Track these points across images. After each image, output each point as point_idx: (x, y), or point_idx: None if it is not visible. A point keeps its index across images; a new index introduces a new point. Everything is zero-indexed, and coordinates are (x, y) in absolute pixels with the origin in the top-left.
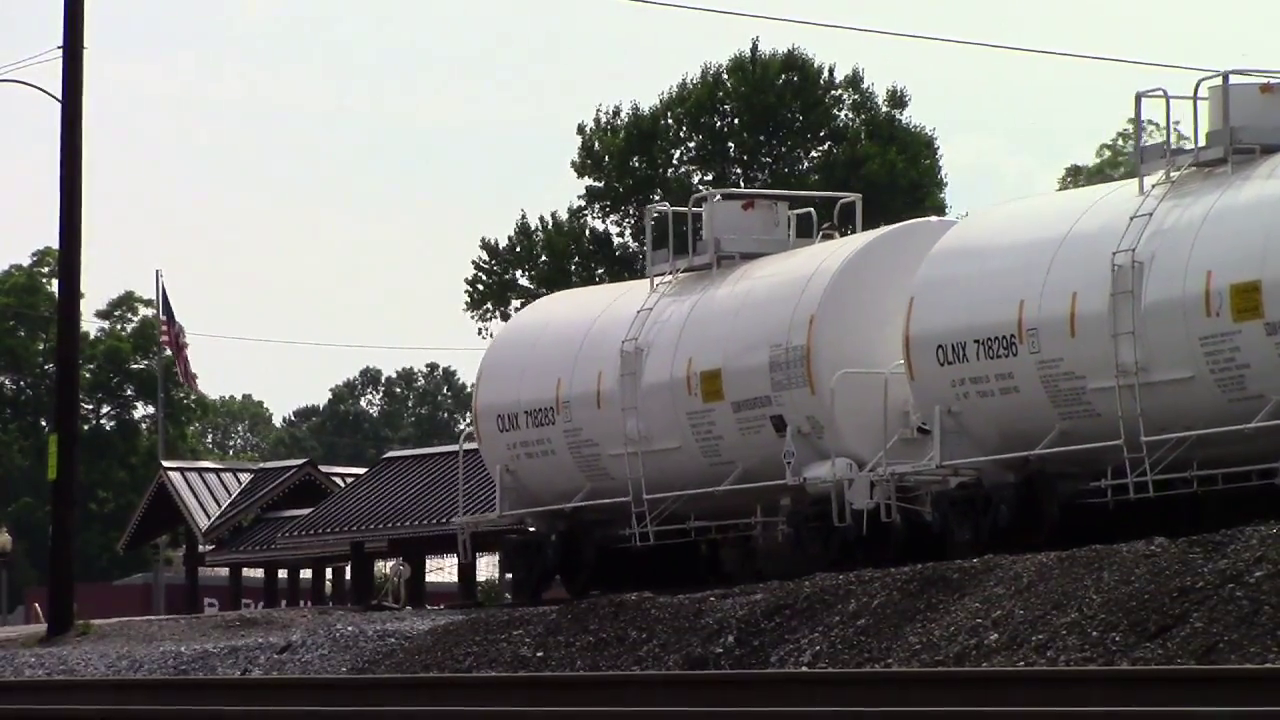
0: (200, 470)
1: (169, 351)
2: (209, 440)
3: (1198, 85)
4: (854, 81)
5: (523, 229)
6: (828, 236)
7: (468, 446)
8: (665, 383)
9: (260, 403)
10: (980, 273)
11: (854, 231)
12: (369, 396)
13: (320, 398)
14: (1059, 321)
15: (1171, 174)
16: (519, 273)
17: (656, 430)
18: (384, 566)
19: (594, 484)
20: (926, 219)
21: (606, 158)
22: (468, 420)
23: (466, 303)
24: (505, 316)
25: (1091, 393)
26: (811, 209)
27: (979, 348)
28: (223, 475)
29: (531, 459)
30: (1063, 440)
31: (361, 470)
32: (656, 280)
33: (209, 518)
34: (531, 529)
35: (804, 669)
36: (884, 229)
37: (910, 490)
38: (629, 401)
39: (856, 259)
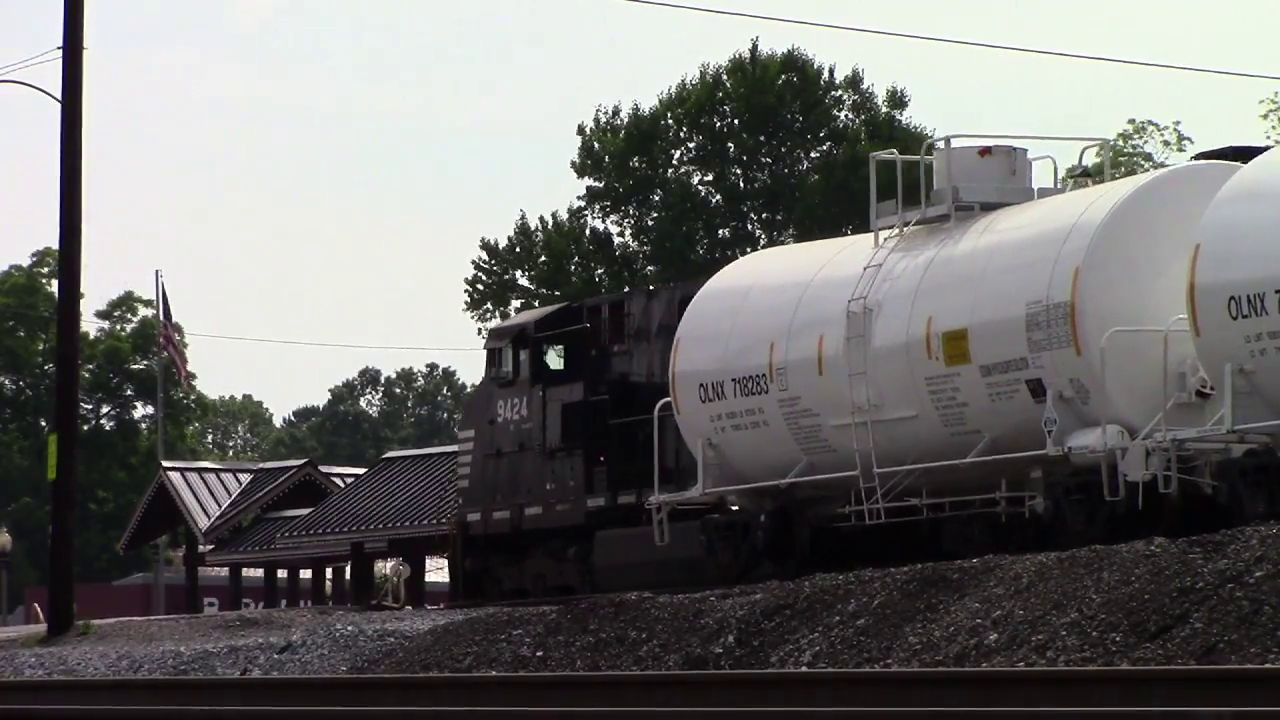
0: (200, 470)
1: (166, 352)
2: (209, 440)
3: None
4: (854, 82)
5: (523, 229)
6: (1079, 184)
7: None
8: (900, 345)
9: (260, 403)
10: None
11: (1102, 180)
12: (368, 397)
13: (320, 398)
14: None
15: None
16: (519, 273)
17: (889, 398)
18: (384, 566)
19: (812, 458)
20: (1199, 162)
21: (606, 158)
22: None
23: (466, 303)
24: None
25: None
26: (1050, 157)
27: None
28: (223, 475)
29: (739, 431)
30: None
31: (361, 470)
32: (882, 234)
33: (209, 518)
34: (734, 507)
35: (804, 669)
36: (1154, 173)
37: (1187, 460)
38: (857, 366)
39: (1126, 205)
